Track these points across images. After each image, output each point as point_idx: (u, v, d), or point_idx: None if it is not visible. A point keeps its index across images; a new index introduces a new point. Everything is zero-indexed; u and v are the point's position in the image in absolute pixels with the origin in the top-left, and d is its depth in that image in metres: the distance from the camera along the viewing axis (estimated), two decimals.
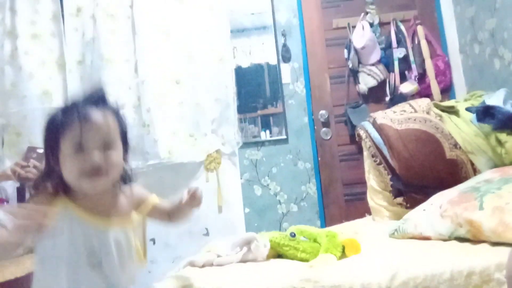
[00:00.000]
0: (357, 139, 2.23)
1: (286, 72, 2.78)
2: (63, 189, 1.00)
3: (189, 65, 2.60)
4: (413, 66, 2.67)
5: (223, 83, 2.62)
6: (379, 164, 2.01)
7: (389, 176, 1.97)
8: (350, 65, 2.69)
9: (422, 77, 2.67)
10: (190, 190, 1.14)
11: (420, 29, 2.70)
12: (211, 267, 1.41)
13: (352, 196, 2.65)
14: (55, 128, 0.98)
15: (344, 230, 1.64)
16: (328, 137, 2.72)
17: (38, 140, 2.38)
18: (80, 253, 0.98)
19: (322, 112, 2.72)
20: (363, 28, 2.67)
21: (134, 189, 1.13)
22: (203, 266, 1.42)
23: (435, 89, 2.65)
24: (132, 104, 2.54)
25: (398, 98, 2.57)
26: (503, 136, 1.80)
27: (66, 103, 1.02)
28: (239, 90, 2.71)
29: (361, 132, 2.12)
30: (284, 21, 2.82)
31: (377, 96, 2.70)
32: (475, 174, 1.80)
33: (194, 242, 2.46)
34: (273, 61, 2.80)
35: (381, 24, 2.74)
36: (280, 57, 2.79)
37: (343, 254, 1.39)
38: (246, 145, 2.71)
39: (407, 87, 2.62)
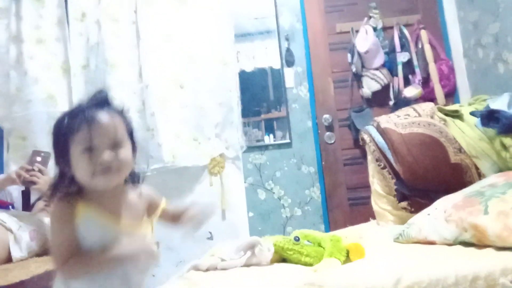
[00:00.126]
0: (361, 143, 2.22)
1: (290, 76, 2.79)
2: (76, 190, 1.01)
3: (193, 69, 2.61)
4: (417, 70, 2.66)
5: (226, 87, 2.63)
6: (383, 168, 2.00)
7: (394, 180, 1.96)
8: (354, 69, 2.70)
9: (426, 81, 2.67)
10: (192, 213, 1.16)
11: (423, 33, 2.70)
12: (215, 271, 1.41)
13: (356, 200, 2.64)
14: (64, 132, 0.99)
15: (348, 234, 1.63)
16: (332, 141, 2.72)
17: (43, 144, 2.40)
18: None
19: (326, 116, 2.73)
20: (366, 32, 2.68)
21: (144, 191, 1.15)
22: (207, 270, 1.42)
23: (439, 93, 2.65)
24: (136, 108, 2.55)
25: (402, 102, 2.57)
26: (507, 140, 1.79)
27: (72, 107, 1.04)
28: (242, 94, 2.72)
29: (365, 136, 2.12)
30: (288, 26, 2.83)
31: (381, 100, 2.70)
32: (479, 179, 1.79)
33: (198, 246, 2.45)
34: (276, 65, 2.80)
35: (384, 28, 2.75)
36: (284, 61, 2.80)
37: (347, 259, 1.39)
38: (250, 149, 2.72)
39: (411, 91, 2.62)
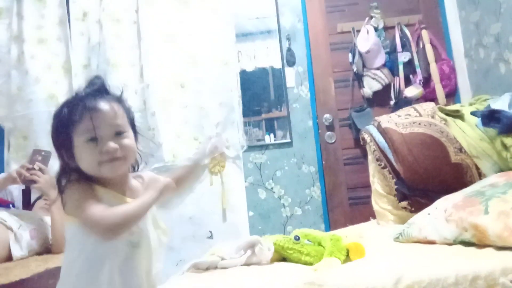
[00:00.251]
0: (361, 143, 2.22)
1: (291, 76, 2.79)
2: (84, 179, 0.99)
3: (193, 69, 2.62)
4: (418, 70, 2.66)
5: (227, 87, 2.63)
6: (384, 168, 2.00)
7: (394, 180, 1.96)
8: (355, 69, 2.70)
9: (427, 81, 2.67)
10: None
11: (424, 33, 2.70)
12: (215, 270, 1.41)
13: (356, 200, 2.64)
14: (65, 124, 0.97)
15: (349, 233, 1.64)
16: (333, 141, 2.71)
17: (44, 144, 2.40)
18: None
19: (327, 115, 2.73)
20: (367, 32, 2.68)
21: (146, 176, 1.14)
22: (207, 269, 1.42)
23: (440, 93, 2.64)
24: (137, 108, 2.55)
25: (402, 102, 2.57)
26: (508, 140, 1.79)
27: (70, 97, 1.02)
28: (243, 94, 2.72)
29: (366, 136, 2.12)
30: (289, 25, 2.83)
31: (382, 100, 2.70)
32: (480, 179, 1.79)
33: (198, 245, 2.46)
34: (277, 65, 2.80)
35: (385, 28, 2.74)
36: (285, 61, 2.80)
37: (348, 258, 1.39)
38: (250, 148, 2.72)
39: (412, 91, 2.61)
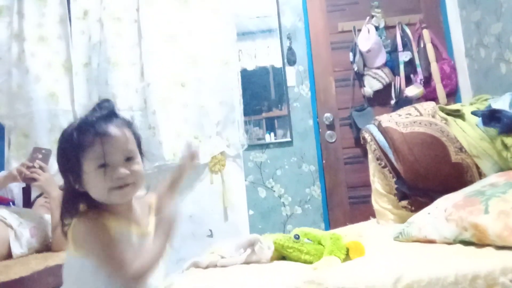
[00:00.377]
0: (362, 142, 2.22)
1: (291, 75, 2.79)
2: (91, 206, 0.99)
3: (194, 68, 2.61)
4: (419, 69, 2.66)
5: (228, 86, 2.63)
6: (384, 167, 2.00)
7: (394, 179, 1.96)
8: (356, 68, 2.70)
9: (427, 80, 2.67)
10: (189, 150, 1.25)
11: (425, 33, 2.70)
12: (215, 268, 1.41)
13: (356, 199, 2.64)
14: (75, 148, 0.95)
15: (349, 232, 1.63)
16: (333, 140, 2.71)
17: (45, 142, 2.41)
18: None
19: (327, 115, 2.73)
20: (368, 31, 2.68)
21: (148, 197, 1.16)
22: (206, 267, 1.42)
23: (440, 92, 2.64)
24: (138, 106, 2.56)
25: (403, 102, 2.57)
26: (509, 140, 1.78)
27: (79, 121, 0.99)
28: (244, 93, 2.72)
29: (366, 135, 2.12)
30: (290, 25, 2.83)
31: (382, 99, 2.70)
32: (480, 178, 1.79)
33: (198, 244, 2.46)
34: (278, 64, 2.80)
35: (386, 27, 2.74)
36: (285, 60, 2.80)
37: (347, 257, 1.39)
38: (250, 147, 2.72)
39: (413, 91, 2.61)
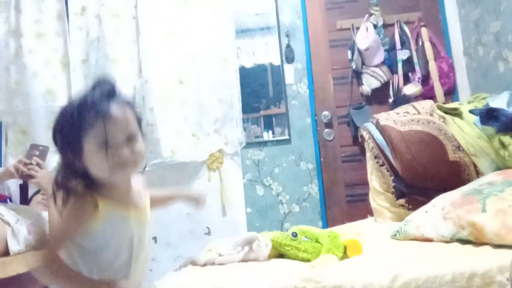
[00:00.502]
0: (360, 140, 2.22)
1: (290, 72, 2.78)
2: (88, 184, 0.99)
3: (192, 65, 2.61)
4: (417, 68, 2.66)
5: (226, 83, 2.63)
6: (382, 165, 2.01)
7: (392, 178, 1.97)
8: (354, 67, 2.69)
9: (425, 79, 2.67)
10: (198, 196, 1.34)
11: (424, 31, 2.70)
12: (212, 266, 1.41)
13: (354, 197, 2.64)
14: (76, 127, 0.94)
15: (346, 231, 1.64)
16: (331, 138, 2.71)
17: (42, 138, 2.40)
18: (121, 245, 1.02)
19: (325, 113, 2.72)
20: (367, 29, 2.67)
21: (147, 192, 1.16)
22: (204, 265, 1.42)
23: (438, 91, 2.64)
24: (135, 103, 2.55)
25: (401, 100, 2.57)
26: (506, 139, 1.79)
27: (79, 100, 0.97)
28: (242, 90, 2.71)
29: (364, 133, 2.12)
30: (288, 22, 2.82)
31: (381, 97, 2.70)
32: (478, 177, 1.80)
33: (196, 241, 2.47)
34: (276, 61, 2.80)
35: (385, 25, 2.74)
36: (284, 58, 2.79)
37: (345, 255, 1.39)
38: (248, 145, 2.72)
39: (411, 89, 2.61)
